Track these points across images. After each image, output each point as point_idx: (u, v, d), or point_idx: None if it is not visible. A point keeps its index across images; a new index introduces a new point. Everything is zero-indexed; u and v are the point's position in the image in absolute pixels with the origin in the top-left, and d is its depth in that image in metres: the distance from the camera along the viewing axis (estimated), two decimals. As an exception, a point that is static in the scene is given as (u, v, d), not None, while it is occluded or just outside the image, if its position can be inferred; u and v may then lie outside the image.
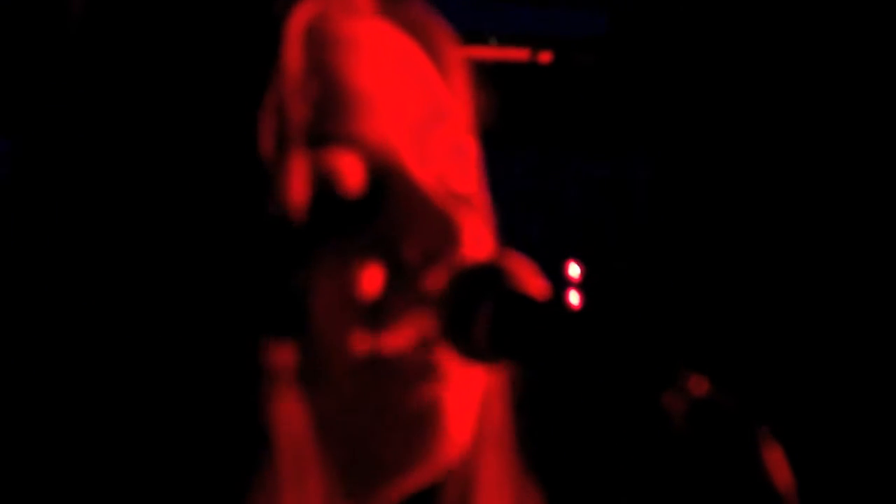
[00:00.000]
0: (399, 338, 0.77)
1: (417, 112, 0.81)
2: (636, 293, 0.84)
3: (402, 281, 0.78)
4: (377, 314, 0.77)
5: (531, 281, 0.80)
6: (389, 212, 0.78)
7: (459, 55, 0.87)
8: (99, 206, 0.76)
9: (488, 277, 0.78)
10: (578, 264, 2.01)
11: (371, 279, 0.77)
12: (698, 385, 0.75)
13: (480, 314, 0.78)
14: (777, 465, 0.74)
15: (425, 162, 0.81)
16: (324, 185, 0.77)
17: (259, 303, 0.74)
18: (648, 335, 0.78)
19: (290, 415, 0.74)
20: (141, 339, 0.74)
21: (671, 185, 2.84)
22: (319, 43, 0.79)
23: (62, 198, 0.78)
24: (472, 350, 0.78)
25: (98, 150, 0.78)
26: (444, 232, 0.78)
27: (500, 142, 0.88)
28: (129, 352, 0.74)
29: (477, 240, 0.81)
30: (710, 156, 3.02)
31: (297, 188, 0.75)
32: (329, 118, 0.77)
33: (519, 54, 2.50)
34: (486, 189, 0.87)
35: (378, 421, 0.77)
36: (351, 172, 0.78)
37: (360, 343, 0.77)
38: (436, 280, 0.78)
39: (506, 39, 2.37)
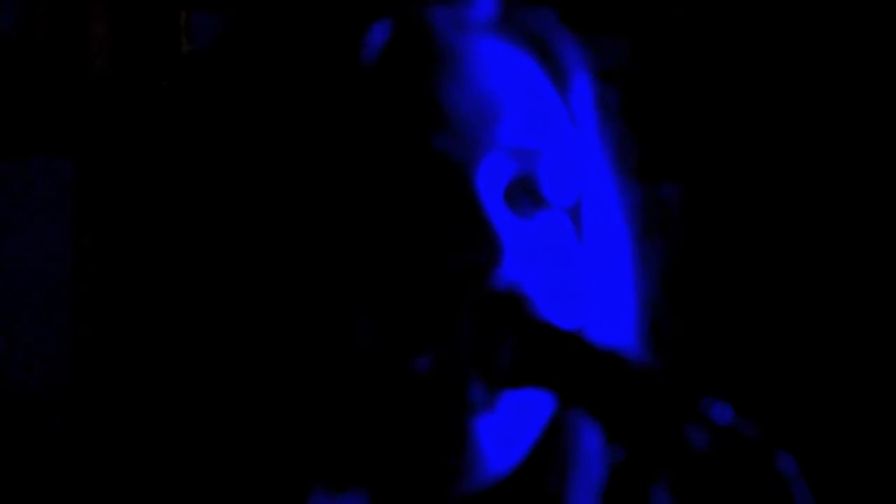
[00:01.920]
0: (431, 359, 0.80)
1: (509, 131, 0.82)
2: (660, 321, 0.87)
3: (429, 294, 0.80)
4: (408, 327, 0.80)
5: (557, 310, 0.84)
6: (447, 225, 0.80)
7: (583, 75, 0.87)
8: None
9: (513, 307, 0.82)
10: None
11: (405, 288, 0.80)
12: (722, 414, 0.79)
13: (504, 345, 0.82)
14: (801, 494, 0.78)
15: (507, 179, 0.82)
16: (394, 194, 0.80)
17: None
18: (671, 363, 0.82)
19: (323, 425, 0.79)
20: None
21: (700, 212, 2.92)
22: (418, 55, 0.81)
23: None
24: (494, 378, 0.82)
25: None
26: (486, 245, 0.80)
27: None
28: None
29: (542, 255, 0.83)
30: (737, 182, 3.09)
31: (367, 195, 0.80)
32: (419, 127, 0.80)
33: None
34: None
35: (405, 440, 0.81)
36: (416, 184, 0.80)
37: (394, 350, 0.80)
38: (464, 297, 0.81)
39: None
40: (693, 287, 2.57)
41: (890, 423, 2.79)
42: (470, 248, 0.80)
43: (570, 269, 0.85)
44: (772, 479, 0.78)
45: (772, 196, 3.05)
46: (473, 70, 0.81)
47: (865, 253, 3.01)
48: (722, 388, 0.82)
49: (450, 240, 0.80)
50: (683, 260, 0.95)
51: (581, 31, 0.86)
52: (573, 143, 0.85)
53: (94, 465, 0.83)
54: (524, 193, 0.83)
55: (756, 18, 3.39)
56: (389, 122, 0.80)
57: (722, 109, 3.29)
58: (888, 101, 3.54)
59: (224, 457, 0.80)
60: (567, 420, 0.89)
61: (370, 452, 0.81)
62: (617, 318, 0.88)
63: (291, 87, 0.81)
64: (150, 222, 0.86)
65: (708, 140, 3.18)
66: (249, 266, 0.81)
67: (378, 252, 0.80)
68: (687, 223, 2.69)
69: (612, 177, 0.88)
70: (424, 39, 0.81)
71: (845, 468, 2.30)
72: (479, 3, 0.84)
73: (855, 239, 3.05)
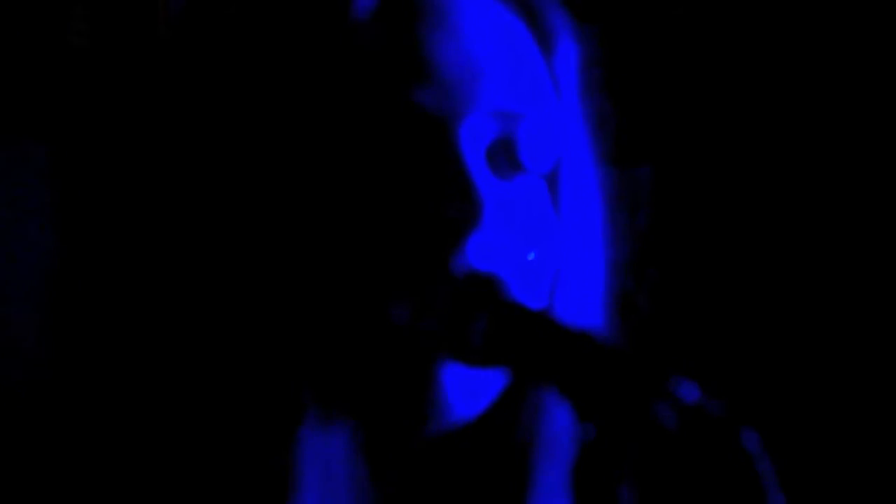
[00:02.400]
0: (408, 312, 0.84)
1: (493, 91, 0.85)
2: (630, 299, 0.90)
3: (411, 248, 0.84)
4: (390, 278, 0.84)
5: (528, 288, 0.87)
6: (429, 178, 0.84)
7: (570, 41, 0.90)
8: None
9: (487, 288, 0.85)
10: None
11: (387, 241, 0.84)
12: (690, 392, 0.82)
13: (476, 325, 0.85)
14: (762, 467, 0.81)
15: (489, 139, 0.85)
16: (387, 146, 0.83)
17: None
18: (641, 342, 0.85)
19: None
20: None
21: (670, 193, 3.02)
22: (407, 10, 0.84)
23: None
24: (469, 356, 0.85)
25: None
26: (466, 201, 0.83)
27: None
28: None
29: (519, 217, 0.87)
30: (708, 165, 3.19)
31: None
32: (406, 83, 0.83)
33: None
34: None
35: (382, 380, 0.86)
36: (406, 136, 0.83)
37: (375, 299, 0.84)
38: (445, 254, 0.84)
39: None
40: (662, 267, 2.67)
41: (853, 401, 2.90)
42: (450, 202, 0.82)
43: (544, 237, 0.88)
44: (737, 456, 0.81)
45: (740, 181, 3.14)
46: (462, 28, 0.84)
47: (828, 236, 3.11)
48: (690, 367, 0.85)
49: (431, 194, 0.83)
50: (653, 240, 0.97)
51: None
52: (555, 110, 0.88)
53: (75, 451, 0.86)
54: (504, 156, 0.86)
55: (728, 10, 3.48)
56: (378, 75, 0.82)
57: (695, 95, 3.42)
58: (855, 90, 3.65)
59: (219, 394, 0.84)
60: (538, 399, 0.92)
61: (354, 388, 0.85)
62: (587, 293, 0.91)
63: (284, 39, 0.84)
64: (130, 204, 0.89)
65: (680, 123, 3.28)
66: (241, 212, 0.84)
67: (364, 202, 0.83)
68: (657, 205, 2.79)
69: (590, 148, 0.91)
70: None
71: (810, 445, 2.38)
72: None
73: (820, 221, 3.16)
